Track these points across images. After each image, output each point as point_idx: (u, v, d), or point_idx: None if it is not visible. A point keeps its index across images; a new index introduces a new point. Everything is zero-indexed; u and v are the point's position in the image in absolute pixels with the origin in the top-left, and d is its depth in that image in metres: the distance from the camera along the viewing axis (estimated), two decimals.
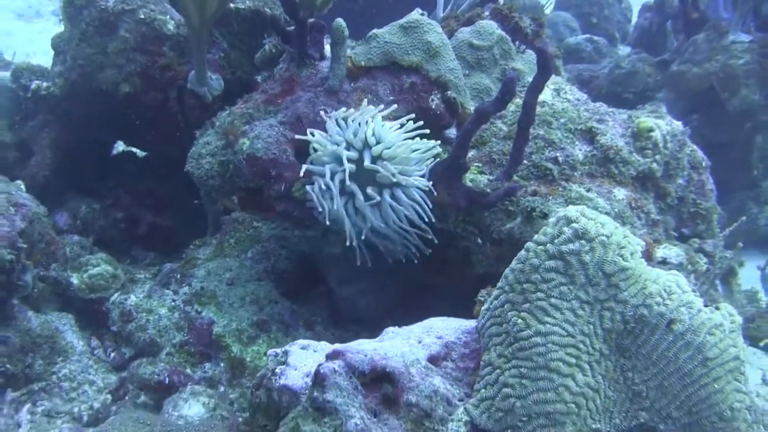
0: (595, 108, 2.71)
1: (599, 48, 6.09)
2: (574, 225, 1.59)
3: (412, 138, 2.40)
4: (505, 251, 2.34)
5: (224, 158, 2.53)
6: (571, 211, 1.62)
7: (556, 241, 1.60)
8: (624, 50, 6.36)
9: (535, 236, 1.65)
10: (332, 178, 2.31)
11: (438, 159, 2.52)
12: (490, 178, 2.49)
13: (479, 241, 2.48)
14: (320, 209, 2.35)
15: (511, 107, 2.70)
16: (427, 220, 2.41)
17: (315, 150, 2.43)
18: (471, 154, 2.62)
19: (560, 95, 2.76)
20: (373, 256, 2.47)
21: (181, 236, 3.55)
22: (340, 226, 2.40)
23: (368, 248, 2.47)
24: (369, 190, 2.32)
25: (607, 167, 2.48)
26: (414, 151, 2.39)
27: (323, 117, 2.48)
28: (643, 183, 2.54)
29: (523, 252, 1.66)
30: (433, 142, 2.41)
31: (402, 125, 2.42)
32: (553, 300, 1.56)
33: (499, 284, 1.69)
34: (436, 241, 2.46)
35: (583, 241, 1.56)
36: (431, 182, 2.42)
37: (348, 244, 2.27)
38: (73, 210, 3.53)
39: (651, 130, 2.55)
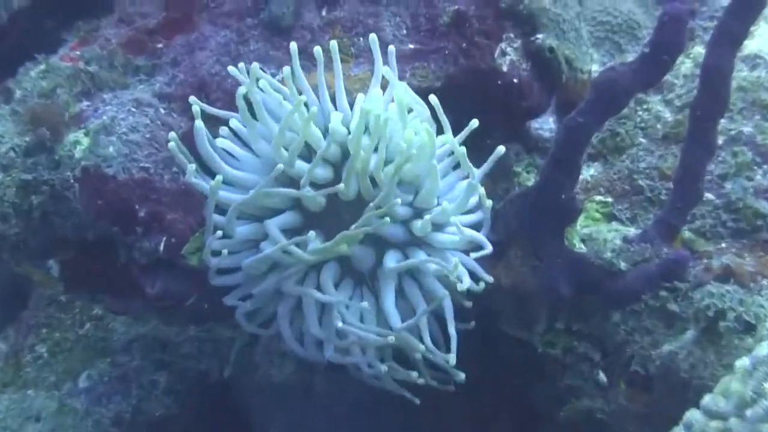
0: None
1: None
2: None
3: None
4: (658, 404, 2.25)
5: (31, 175, 2.44)
6: None
7: (749, 413, 1.60)
8: None
9: (705, 399, 1.67)
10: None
11: (515, 187, 2.57)
12: (632, 233, 2.40)
13: (601, 376, 2.36)
14: (245, 298, 2.39)
15: (687, 65, 2.65)
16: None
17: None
18: (587, 174, 2.55)
19: None
20: (364, 389, 2.49)
21: None
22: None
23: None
24: (358, 251, 2.32)
25: None
26: (454, 166, 2.41)
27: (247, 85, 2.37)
28: None
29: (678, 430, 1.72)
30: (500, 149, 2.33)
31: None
32: None
33: None
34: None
35: None
36: (494, 238, 2.38)
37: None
38: None
39: None
